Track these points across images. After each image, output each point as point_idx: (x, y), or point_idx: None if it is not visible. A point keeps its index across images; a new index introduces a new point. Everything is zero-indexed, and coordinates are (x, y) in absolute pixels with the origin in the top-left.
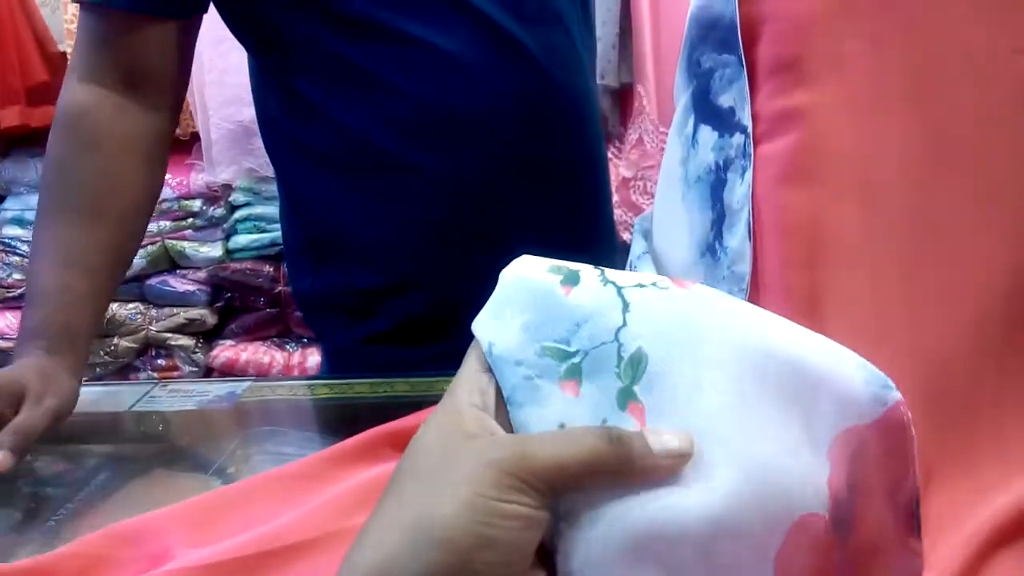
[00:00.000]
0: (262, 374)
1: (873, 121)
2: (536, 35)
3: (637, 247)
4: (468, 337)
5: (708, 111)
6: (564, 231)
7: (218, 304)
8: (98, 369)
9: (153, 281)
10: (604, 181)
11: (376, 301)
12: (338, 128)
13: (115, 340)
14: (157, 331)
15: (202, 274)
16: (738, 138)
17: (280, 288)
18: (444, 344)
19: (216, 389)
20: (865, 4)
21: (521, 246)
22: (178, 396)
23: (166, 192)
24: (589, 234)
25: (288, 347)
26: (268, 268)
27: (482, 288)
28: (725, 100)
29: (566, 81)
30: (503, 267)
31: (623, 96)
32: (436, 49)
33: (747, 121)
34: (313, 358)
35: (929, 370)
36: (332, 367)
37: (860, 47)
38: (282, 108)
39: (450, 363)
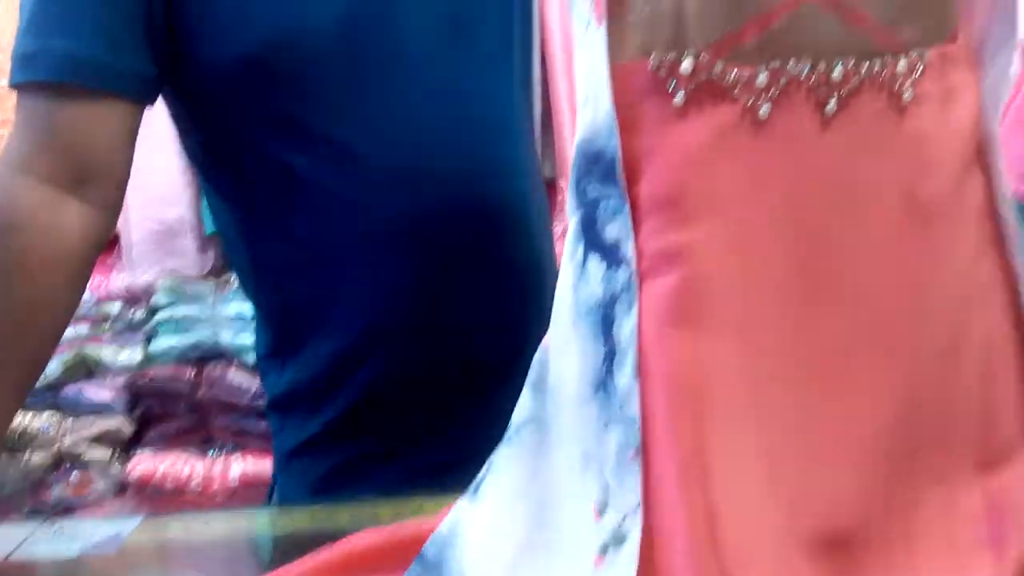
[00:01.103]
0: (180, 488)
1: (752, 259)
2: (479, 141)
3: (522, 407)
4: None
5: (595, 241)
6: (520, 327)
7: (136, 412)
8: (6, 488)
9: (68, 390)
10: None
11: (339, 374)
12: (289, 236)
13: (26, 455)
14: (71, 443)
15: (120, 380)
16: (623, 272)
17: (202, 393)
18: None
19: (104, 530)
20: (743, 140)
21: (476, 338)
22: (63, 538)
23: (84, 295)
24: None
25: (210, 453)
26: (190, 373)
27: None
28: (611, 232)
29: (511, 184)
30: (457, 358)
31: (548, 191)
32: (370, 157)
33: (631, 256)
34: (237, 466)
35: (818, 518)
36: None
37: (738, 183)
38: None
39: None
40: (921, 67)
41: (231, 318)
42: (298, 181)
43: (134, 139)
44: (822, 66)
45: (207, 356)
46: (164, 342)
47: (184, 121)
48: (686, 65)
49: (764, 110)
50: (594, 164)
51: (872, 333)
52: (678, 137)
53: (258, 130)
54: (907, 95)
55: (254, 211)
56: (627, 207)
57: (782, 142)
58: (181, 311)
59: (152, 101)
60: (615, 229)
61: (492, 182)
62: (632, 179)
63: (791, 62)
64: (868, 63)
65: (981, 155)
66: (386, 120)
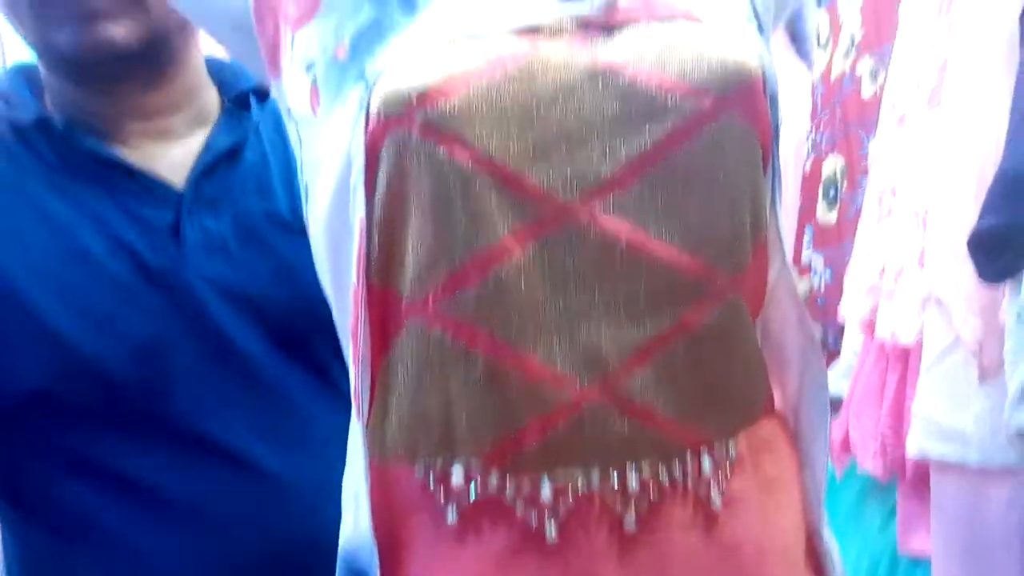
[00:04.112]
0: None
1: None
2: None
3: None
4: None
5: None
6: None
7: None
8: None
9: None
10: None
11: None
12: None
13: None
14: None
15: None
16: None
17: None
18: None
19: None
20: (530, 568)
21: None
22: None
23: None
24: None
25: None
26: None
27: None
28: None
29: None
30: None
31: None
32: (172, 498)
33: None
34: None
35: None
36: None
37: None
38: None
39: None
40: (730, 463)
41: None
42: (86, 522)
43: None
44: (615, 474)
45: None
46: None
47: None
48: (457, 476)
49: (551, 531)
50: None
51: None
52: (452, 564)
53: (42, 463)
54: (716, 500)
55: (36, 551)
56: None
57: (575, 569)
58: None
59: None
60: None
61: (305, 521)
62: None
63: (579, 471)
64: (668, 465)
65: (811, 555)
66: (189, 456)
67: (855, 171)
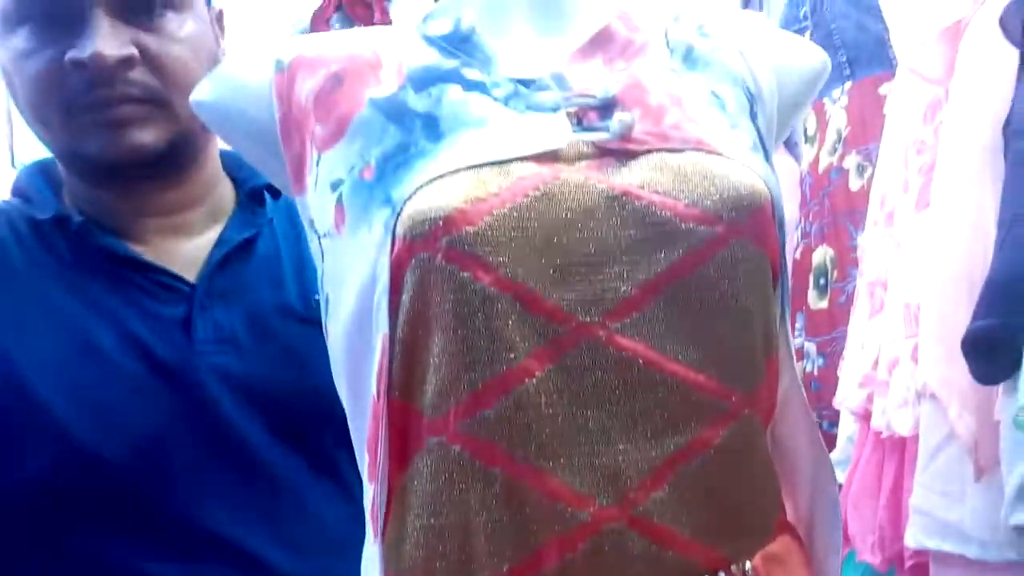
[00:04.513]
0: None
1: None
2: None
3: None
4: None
5: None
6: None
7: None
8: None
9: None
10: None
11: None
12: None
13: None
14: None
15: None
16: None
17: None
18: None
19: None
20: None
21: None
22: None
23: None
24: None
25: None
26: None
27: None
28: None
29: None
30: None
31: None
32: None
33: None
34: None
35: None
36: None
37: None
38: None
39: None
40: None
41: None
42: None
43: None
44: None
45: None
46: None
47: None
48: None
49: None
50: None
51: None
52: None
53: (44, 558)
54: None
55: None
56: None
57: None
58: None
59: None
60: None
61: None
62: None
63: None
64: None
65: None
66: (192, 551)
67: (845, 262)
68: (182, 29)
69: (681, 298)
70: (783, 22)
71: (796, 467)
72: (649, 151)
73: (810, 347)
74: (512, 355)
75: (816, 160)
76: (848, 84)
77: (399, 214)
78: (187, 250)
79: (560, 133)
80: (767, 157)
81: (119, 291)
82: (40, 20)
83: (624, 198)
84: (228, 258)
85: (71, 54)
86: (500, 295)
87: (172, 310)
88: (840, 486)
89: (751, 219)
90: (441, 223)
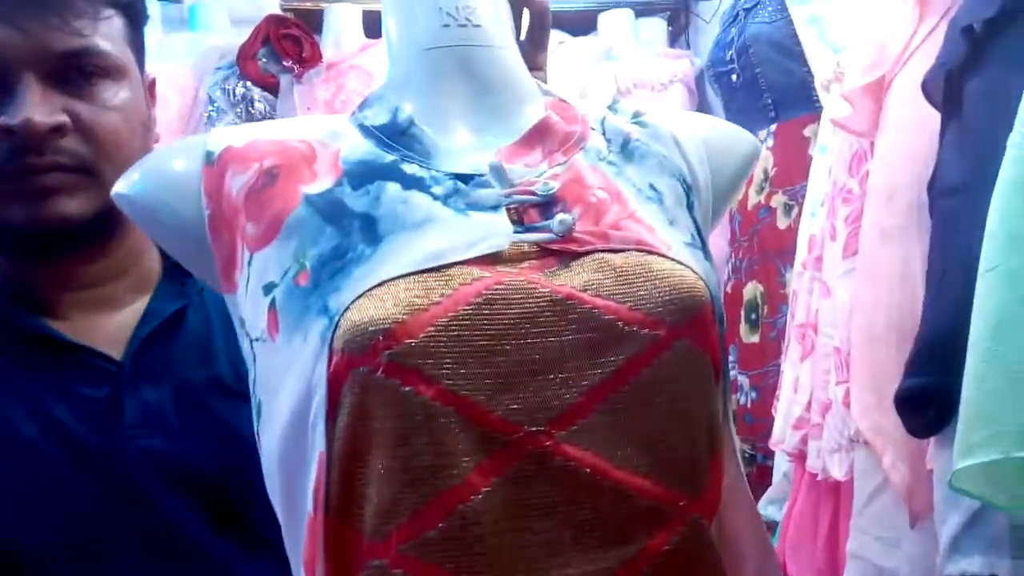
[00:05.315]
0: None
1: None
2: None
3: None
4: None
5: None
6: None
7: None
8: None
9: None
10: None
11: None
12: None
13: None
14: None
15: None
16: None
17: None
18: None
19: None
20: None
21: None
22: None
23: None
24: None
25: None
26: None
27: None
28: None
29: None
30: None
31: None
32: None
33: None
34: None
35: None
36: None
37: None
38: None
39: None
40: None
41: None
42: None
43: None
44: None
45: None
46: None
47: None
48: None
49: None
50: None
51: None
52: None
53: None
54: None
55: None
56: None
57: None
58: None
59: None
60: None
61: None
62: None
63: None
64: None
65: None
66: None
67: (775, 298)
68: (116, 97)
69: (625, 403)
70: (709, 63)
71: (742, 556)
72: (590, 251)
73: (743, 380)
74: (456, 471)
75: (746, 198)
76: (774, 126)
77: (336, 325)
78: (112, 325)
79: (502, 234)
80: (704, 249)
81: (41, 374)
82: None
83: (568, 302)
84: (155, 333)
85: (0, 120)
86: (443, 408)
87: (97, 392)
88: (777, 524)
89: (691, 320)
90: (381, 337)
